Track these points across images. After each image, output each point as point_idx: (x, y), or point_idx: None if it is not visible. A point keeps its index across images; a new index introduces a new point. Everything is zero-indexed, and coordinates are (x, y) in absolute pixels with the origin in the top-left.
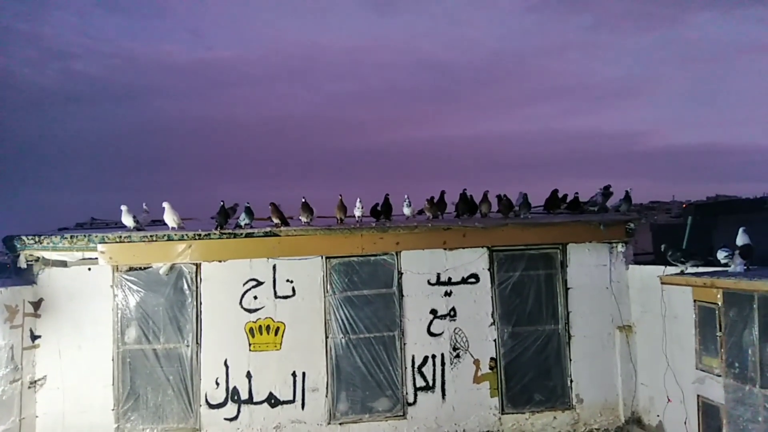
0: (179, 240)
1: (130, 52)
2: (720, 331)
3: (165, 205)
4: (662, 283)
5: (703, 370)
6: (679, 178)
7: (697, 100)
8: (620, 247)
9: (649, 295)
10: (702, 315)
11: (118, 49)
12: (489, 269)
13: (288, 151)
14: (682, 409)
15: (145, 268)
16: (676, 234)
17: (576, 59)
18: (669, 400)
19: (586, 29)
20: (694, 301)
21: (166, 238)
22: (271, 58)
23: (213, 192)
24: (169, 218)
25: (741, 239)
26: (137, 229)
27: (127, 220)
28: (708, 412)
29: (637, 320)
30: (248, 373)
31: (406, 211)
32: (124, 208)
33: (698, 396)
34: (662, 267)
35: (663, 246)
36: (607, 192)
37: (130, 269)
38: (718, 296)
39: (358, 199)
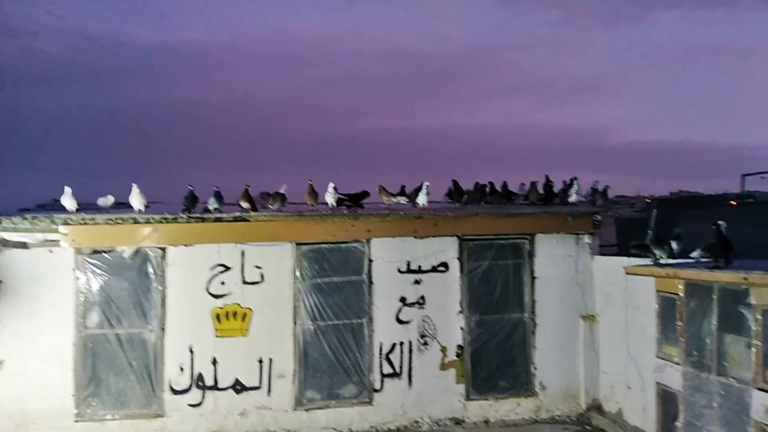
0: (145, 223)
1: (93, 31)
2: (680, 320)
3: (133, 188)
4: (627, 273)
5: (663, 359)
6: (643, 173)
7: (661, 99)
8: (586, 239)
9: (613, 285)
10: (663, 305)
11: (81, 28)
12: (459, 258)
13: (256, 137)
14: (642, 397)
15: (109, 252)
16: (640, 227)
17: (545, 55)
18: (629, 387)
19: (555, 25)
20: (657, 291)
21: (131, 221)
22: (239, 42)
23: (179, 176)
24: (136, 201)
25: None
26: (78, 210)
27: (68, 202)
28: (666, 399)
29: (600, 310)
30: (214, 359)
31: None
32: (68, 189)
33: (657, 383)
34: (626, 258)
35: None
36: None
37: (94, 252)
38: (680, 287)
39: (331, 184)
